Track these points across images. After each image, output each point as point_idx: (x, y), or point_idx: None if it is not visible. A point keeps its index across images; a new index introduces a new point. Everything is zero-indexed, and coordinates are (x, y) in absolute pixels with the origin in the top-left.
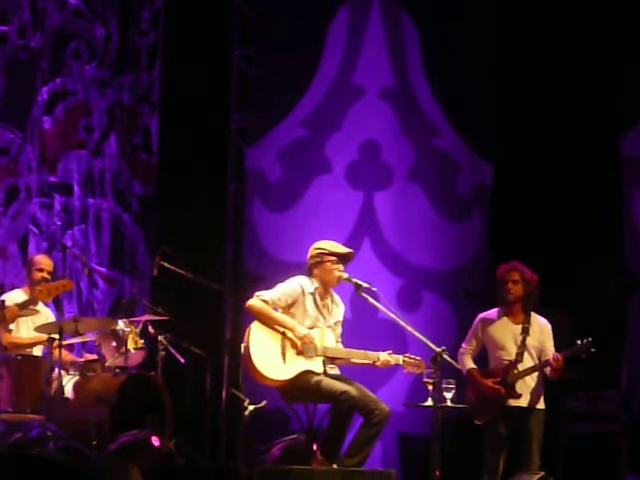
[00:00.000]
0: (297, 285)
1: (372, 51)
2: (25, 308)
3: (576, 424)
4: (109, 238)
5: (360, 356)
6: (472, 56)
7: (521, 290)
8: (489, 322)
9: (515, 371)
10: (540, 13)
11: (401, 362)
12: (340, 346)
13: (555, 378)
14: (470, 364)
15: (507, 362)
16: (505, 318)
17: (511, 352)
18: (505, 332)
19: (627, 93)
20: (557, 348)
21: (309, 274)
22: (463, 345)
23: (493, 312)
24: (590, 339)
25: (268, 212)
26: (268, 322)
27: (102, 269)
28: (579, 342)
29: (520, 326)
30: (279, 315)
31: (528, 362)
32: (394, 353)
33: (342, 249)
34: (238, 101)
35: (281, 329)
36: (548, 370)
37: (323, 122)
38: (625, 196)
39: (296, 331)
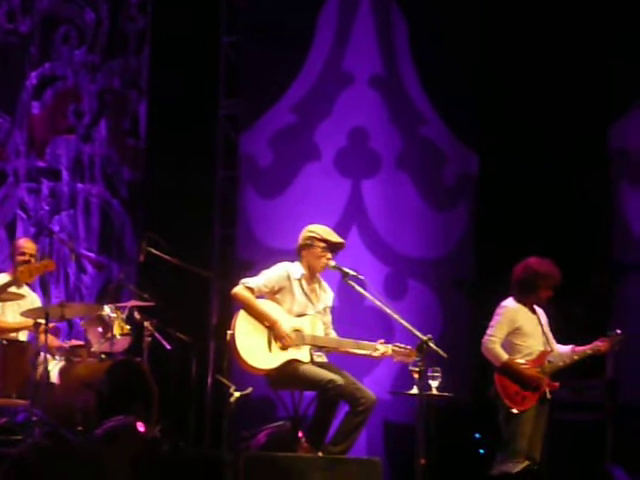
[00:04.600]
0: (283, 271)
1: (361, 39)
2: (4, 290)
3: (560, 412)
4: (98, 223)
5: (352, 346)
6: (459, 46)
7: None
8: (517, 311)
9: (547, 362)
10: (528, 4)
11: (390, 352)
12: (333, 332)
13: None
14: (505, 354)
15: (540, 352)
16: (523, 307)
17: (540, 341)
18: (531, 321)
19: (615, 84)
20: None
21: (297, 255)
22: (491, 334)
23: (512, 300)
24: (620, 331)
25: (259, 198)
26: (251, 313)
27: (91, 254)
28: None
29: (535, 316)
30: (262, 308)
31: None
32: (384, 342)
33: (334, 237)
34: (226, 88)
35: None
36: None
37: (313, 108)
38: (613, 187)
39: (276, 329)
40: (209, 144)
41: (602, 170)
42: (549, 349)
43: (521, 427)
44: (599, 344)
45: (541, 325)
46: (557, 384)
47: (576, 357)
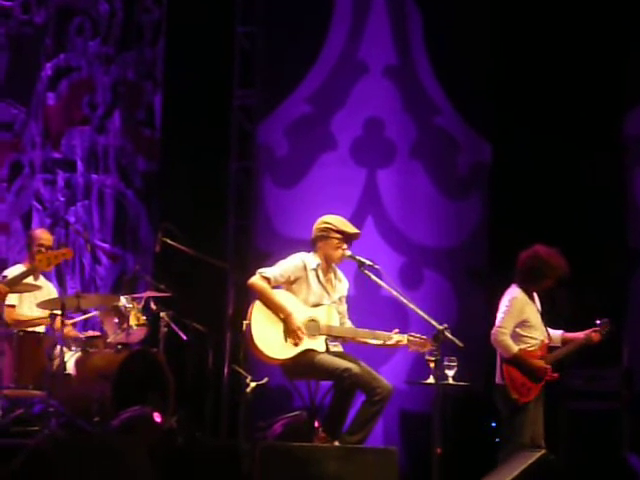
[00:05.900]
0: (299, 261)
1: (376, 29)
2: (19, 281)
3: (576, 402)
4: (112, 214)
5: (367, 335)
6: (472, 36)
7: None
8: (525, 302)
9: (553, 351)
10: None
11: (405, 341)
12: (348, 322)
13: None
14: (515, 346)
15: (542, 342)
16: (527, 296)
17: (542, 331)
18: (534, 312)
19: (630, 71)
20: (556, 325)
21: (313, 246)
22: (502, 325)
23: (518, 290)
24: (606, 320)
25: (276, 188)
26: (267, 303)
27: (105, 245)
28: (601, 323)
29: (534, 304)
30: (277, 299)
31: None
32: (399, 332)
33: (350, 228)
34: (241, 78)
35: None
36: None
37: (328, 99)
38: (627, 174)
39: (289, 322)
40: (224, 134)
41: (617, 157)
42: (548, 340)
43: (526, 419)
44: (592, 334)
45: (539, 313)
46: (557, 375)
47: (572, 347)
